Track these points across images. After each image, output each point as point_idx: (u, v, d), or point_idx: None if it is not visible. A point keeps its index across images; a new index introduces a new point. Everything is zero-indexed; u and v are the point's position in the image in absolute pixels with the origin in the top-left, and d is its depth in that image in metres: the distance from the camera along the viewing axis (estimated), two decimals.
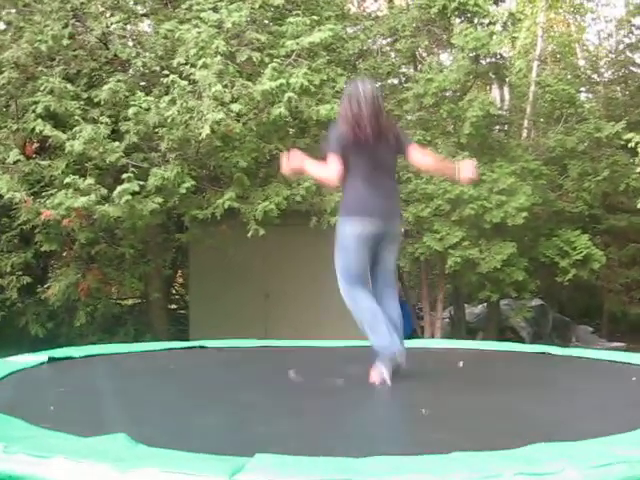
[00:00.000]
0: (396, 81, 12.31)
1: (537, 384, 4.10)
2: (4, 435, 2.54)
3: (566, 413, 3.24)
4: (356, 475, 1.99)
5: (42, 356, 4.42)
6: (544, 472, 2.04)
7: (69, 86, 8.77)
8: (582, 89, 15.05)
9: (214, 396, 3.59)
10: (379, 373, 3.85)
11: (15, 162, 8.52)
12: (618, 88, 15.56)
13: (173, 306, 13.70)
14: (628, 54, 15.85)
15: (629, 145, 10.01)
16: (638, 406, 3.27)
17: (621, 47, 16.17)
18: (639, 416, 2.90)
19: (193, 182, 8.56)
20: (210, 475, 2.02)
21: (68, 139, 8.38)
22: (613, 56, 16.18)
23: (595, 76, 15.86)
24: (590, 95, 15.41)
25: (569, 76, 14.25)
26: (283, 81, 8.44)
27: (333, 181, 3.97)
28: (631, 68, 15.68)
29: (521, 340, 11.91)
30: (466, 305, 13.79)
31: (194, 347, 5.41)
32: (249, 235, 8.78)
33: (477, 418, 3.12)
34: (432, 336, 11.00)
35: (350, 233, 4.01)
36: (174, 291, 14.13)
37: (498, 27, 11.13)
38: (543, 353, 5.13)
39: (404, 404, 3.42)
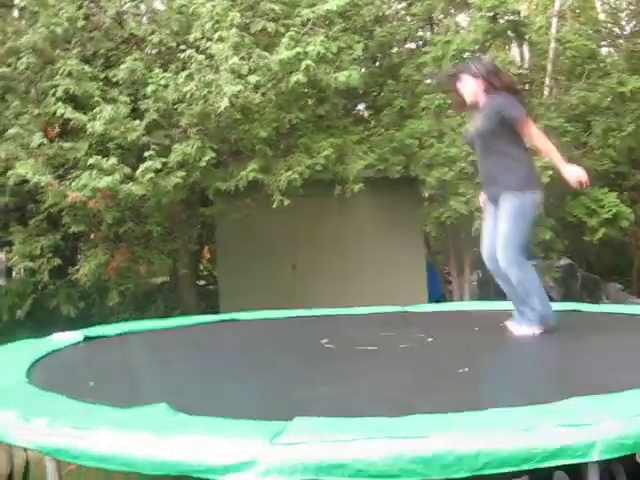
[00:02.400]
0: (414, 45, 12.18)
1: (568, 340, 4.10)
2: (48, 410, 2.60)
3: (599, 367, 3.24)
4: (394, 433, 2.01)
5: (78, 335, 4.49)
6: (583, 423, 2.05)
7: (87, 67, 8.78)
8: (603, 43, 14.77)
9: (249, 366, 3.64)
10: (531, 330, 4.21)
11: (39, 146, 8.57)
12: None
13: (202, 282, 13.79)
14: None
15: None
16: None
17: None
18: None
19: (213, 155, 8.56)
20: (252, 438, 2.06)
21: (89, 120, 8.40)
22: (634, 8, 15.83)
23: (616, 29, 15.56)
24: (612, 49, 15.12)
25: (589, 31, 13.97)
26: (300, 50, 8.38)
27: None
28: None
29: (551, 300, 11.85)
30: None
31: (225, 320, 5.47)
32: (274, 206, 8.80)
33: (508, 377, 3.13)
34: (461, 299, 10.99)
35: (534, 206, 4.24)
36: (202, 267, 14.22)
37: None
38: (573, 310, 5.12)
39: (441, 364, 3.43)
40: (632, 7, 15.92)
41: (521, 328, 4.28)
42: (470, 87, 4.30)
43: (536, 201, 4.25)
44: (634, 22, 15.52)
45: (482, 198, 4.58)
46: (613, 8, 16.60)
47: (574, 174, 4.12)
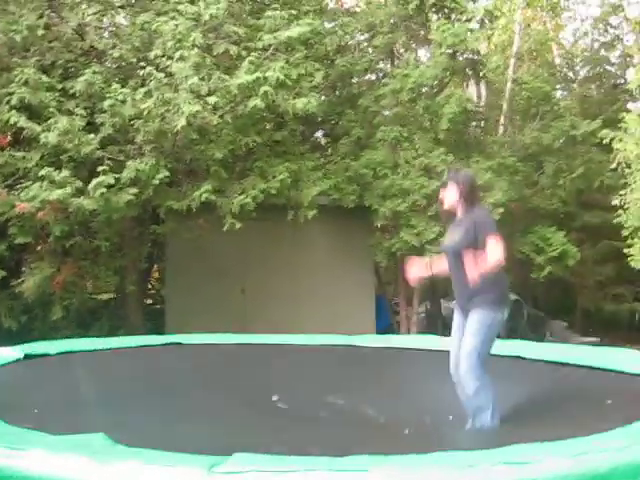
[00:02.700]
0: (373, 77, 12.32)
1: (509, 389, 4.14)
2: None
3: (535, 417, 3.27)
4: (334, 470, 1.99)
5: (18, 352, 4.36)
6: (524, 461, 2.06)
7: (44, 77, 8.65)
8: (558, 87, 15.17)
9: (191, 398, 3.57)
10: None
11: None
12: (593, 86, 15.72)
13: (149, 301, 13.58)
14: (603, 52, 16.02)
15: (604, 142, 10.12)
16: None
17: (596, 46, 16.32)
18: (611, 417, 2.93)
19: (167, 173, 8.49)
20: (190, 467, 2.02)
21: (43, 131, 8.27)
22: (588, 54, 16.32)
23: (571, 74, 16.00)
24: (565, 93, 15.53)
25: (545, 74, 14.33)
26: (260, 75, 8.41)
27: (501, 262, 4.10)
28: (606, 66, 15.84)
29: (497, 336, 11.97)
30: (442, 300, 13.85)
31: (170, 344, 5.38)
32: (225, 229, 8.75)
33: (453, 423, 3.14)
34: (408, 331, 11.04)
35: (500, 322, 4.29)
36: (150, 286, 14.02)
37: (475, 24, 11.19)
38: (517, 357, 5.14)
39: (382, 411, 3.42)
40: (586, 54, 16.40)
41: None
42: (452, 196, 4.38)
43: (503, 319, 4.35)
44: (588, 68, 15.97)
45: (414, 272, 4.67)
46: (568, 53, 17.08)
47: (472, 277, 4.15)
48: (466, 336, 4.21)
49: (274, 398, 3.98)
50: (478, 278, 4.08)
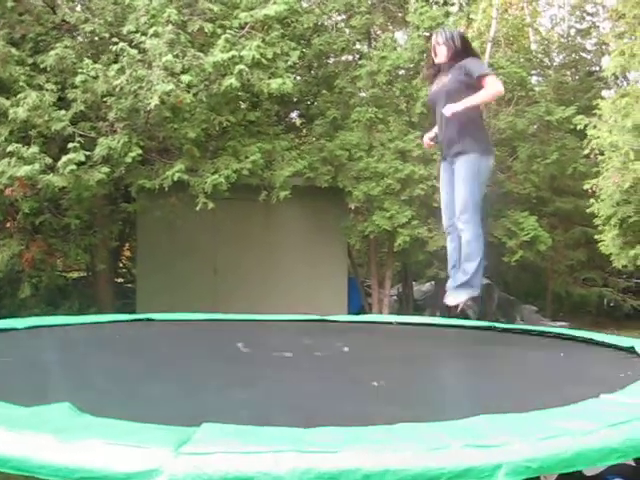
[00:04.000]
0: (350, 58, 12.26)
1: (479, 358, 4.16)
2: None
3: (507, 386, 3.29)
4: (303, 446, 1.97)
5: None
6: (490, 444, 2.06)
7: (14, 51, 8.50)
8: (533, 72, 15.22)
9: (161, 367, 3.55)
10: (458, 299, 4.52)
11: None
12: (568, 73, 15.80)
13: (120, 280, 13.49)
14: (579, 40, 16.10)
15: (578, 128, 10.18)
16: (575, 381, 3.33)
17: (572, 32, 16.40)
18: (579, 390, 2.95)
19: (140, 151, 8.40)
20: (156, 446, 1.99)
21: (12, 105, 8.12)
22: (564, 41, 16.39)
23: (546, 60, 16.06)
24: (541, 79, 15.60)
25: (521, 59, 14.40)
26: (235, 53, 8.33)
27: (501, 92, 4.30)
28: (581, 54, 15.93)
29: (467, 318, 12.07)
30: (414, 283, 13.93)
31: (141, 320, 5.34)
32: (197, 208, 8.69)
33: (421, 391, 3.15)
34: (380, 313, 11.08)
35: (488, 170, 4.44)
36: (121, 264, 13.92)
37: (453, 8, 11.17)
38: (489, 327, 5.22)
39: (351, 376, 3.42)
40: (562, 40, 16.47)
41: (452, 297, 4.57)
42: (444, 50, 4.47)
43: (490, 165, 4.48)
44: (563, 55, 16.04)
45: (427, 141, 4.82)
46: (545, 39, 17.14)
47: (449, 108, 4.21)
48: (459, 186, 4.31)
49: (242, 348, 4.01)
50: (465, 108, 4.15)
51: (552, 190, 13.16)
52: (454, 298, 4.58)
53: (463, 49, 4.46)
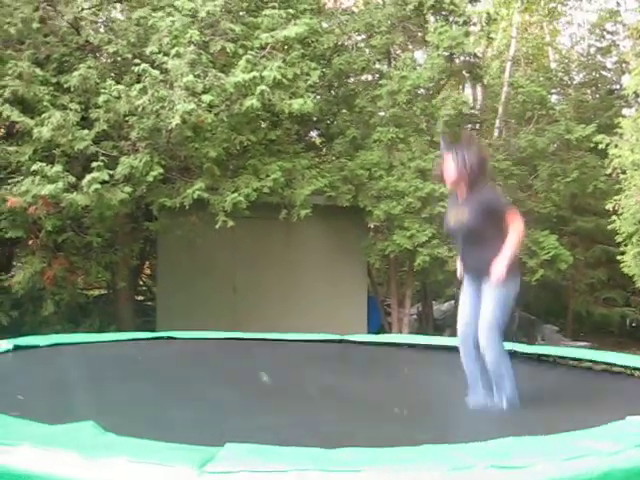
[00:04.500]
0: (370, 77, 12.31)
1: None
2: None
3: (531, 408, 3.26)
4: (327, 465, 1.96)
5: (7, 344, 4.33)
6: (515, 465, 2.04)
7: (38, 71, 8.60)
8: (553, 91, 15.19)
9: (183, 388, 3.55)
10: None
11: None
12: (588, 91, 15.74)
13: (140, 297, 13.54)
14: (599, 58, 16.04)
15: (599, 147, 10.12)
16: (599, 403, 3.29)
17: (592, 51, 16.35)
18: (602, 412, 2.91)
19: (161, 170, 8.46)
20: (180, 465, 1.99)
21: (36, 125, 8.21)
22: (584, 60, 16.35)
23: (566, 79, 16.01)
24: (561, 97, 15.55)
25: (541, 78, 14.37)
26: (256, 74, 8.38)
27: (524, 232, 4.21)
28: (601, 72, 15.86)
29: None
30: (434, 302, 13.86)
31: (162, 338, 5.35)
32: (218, 226, 8.72)
33: (446, 414, 3.13)
34: (399, 332, 11.03)
35: (516, 292, 4.26)
36: (141, 282, 13.97)
37: (473, 27, 11.20)
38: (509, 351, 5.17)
39: (374, 399, 3.41)
40: (582, 59, 16.43)
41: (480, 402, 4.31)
42: (453, 174, 4.25)
43: (517, 287, 4.30)
44: (583, 73, 16.00)
45: (460, 271, 4.55)
46: (565, 58, 17.11)
47: (496, 272, 4.11)
48: (488, 306, 4.19)
49: (264, 378, 3.97)
50: (505, 264, 4.05)
51: (573, 209, 13.09)
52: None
53: (479, 174, 4.26)
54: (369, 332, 10.90)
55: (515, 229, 4.13)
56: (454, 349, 5.50)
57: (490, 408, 4.11)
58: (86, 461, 2.04)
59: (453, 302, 13.09)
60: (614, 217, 10.16)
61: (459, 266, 4.58)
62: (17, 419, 2.54)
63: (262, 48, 9.00)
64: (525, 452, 2.14)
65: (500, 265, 4.05)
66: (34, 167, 8.04)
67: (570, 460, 2.09)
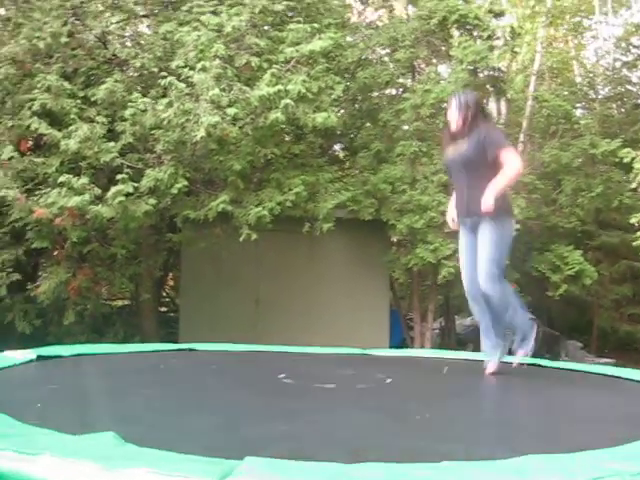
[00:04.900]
0: (394, 91, 12.33)
1: (526, 395, 4.09)
2: None
3: (555, 425, 3.23)
4: None
5: (31, 354, 4.38)
6: None
7: (66, 84, 8.72)
8: (578, 105, 15.12)
9: (204, 398, 3.57)
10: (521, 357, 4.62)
11: (9, 159, 8.45)
12: (614, 105, 15.65)
13: (163, 309, 13.63)
14: (625, 72, 15.97)
15: (624, 161, 10.06)
16: (627, 420, 3.26)
17: (618, 65, 16.28)
18: (628, 430, 2.88)
19: (185, 183, 8.54)
20: (199, 478, 1.99)
21: (63, 137, 8.33)
22: (610, 74, 16.27)
23: (591, 93, 15.94)
24: (586, 112, 15.47)
25: (566, 92, 14.31)
26: (281, 87, 8.44)
27: (521, 170, 4.32)
28: (627, 86, 15.78)
29: (510, 353, 11.88)
30: (456, 317, 13.80)
31: (184, 350, 5.38)
32: (241, 239, 8.76)
33: (467, 427, 3.11)
34: (422, 346, 10.98)
35: (512, 232, 4.42)
36: (165, 294, 14.07)
37: (498, 41, 11.19)
38: (534, 365, 5.13)
39: (395, 411, 3.40)
40: (607, 73, 16.35)
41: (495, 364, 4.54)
42: (459, 119, 4.44)
43: (513, 227, 4.46)
44: (609, 87, 15.91)
45: (450, 216, 4.70)
46: (590, 72, 17.03)
47: (485, 201, 4.14)
48: (481, 252, 4.24)
49: (284, 379, 3.98)
50: (495, 195, 4.11)
51: (597, 223, 13.00)
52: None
53: (477, 113, 4.44)
54: (391, 346, 10.87)
55: (510, 164, 4.19)
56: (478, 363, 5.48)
57: (503, 358, 4.27)
58: (105, 472, 2.06)
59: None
60: (639, 233, 10.07)
61: (451, 211, 4.68)
62: (37, 428, 2.56)
63: (287, 62, 9.05)
64: (546, 471, 2.12)
65: (489, 194, 4.12)
66: (61, 179, 8.14)
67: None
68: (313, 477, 2.00)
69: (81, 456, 2.20)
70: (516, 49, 12.48)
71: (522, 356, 4.60)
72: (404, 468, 2.12)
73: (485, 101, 4.04)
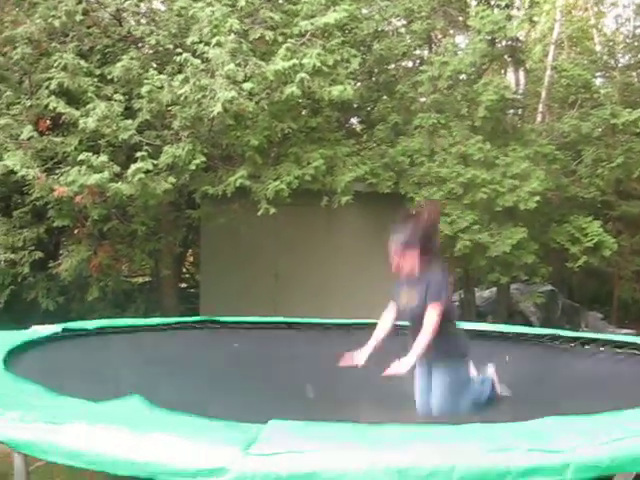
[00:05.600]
0: (411, 63, 12.24)
1: (543, 364, 4.11)
2: (21, 403, 2.56)
3: (574, 391, 3.25)
4: (370, 442, 1.99)
5: (57, 328, 4.45)
6: (558, 445, 2.04)
7: (82, 62, 8.75)
8: (598, 74, 14.91)
9: (228, 369, 3.61)
10: None
11: (29, 138, 8.51)
12: (634, 74, 15.41)
13: (183, 285, 13.72)
14: None
15: None
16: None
17: (638, 32, 16.01)
18: None
19: (203, 159, 8.55)
20: (225, 445, 2.03)
21: (81, 116, 8.37)
22: (630, 41, 16.01)
23: (611, 61, 15.70)
24: (606, 80, 15.26)
25: (585, 61, 14.11)
26: (296, 61, 8.39)
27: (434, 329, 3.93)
28: None
29: (530, 325, 11.89)
30: (476, 289, 13.77)
31: (206, 321, 5.44)
32: (259, 214, 8.79)
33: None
34: None
35: (466, 370, 4.11)
36: (184, 270, 14.15)
37: (516, 10, 11.06)
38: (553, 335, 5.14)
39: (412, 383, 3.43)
40: (628, 40, 16.10)
41: None
42: (398, 259, 4.20)
43: (466, 364, 4.17)
44: (629, 55, 15.67)
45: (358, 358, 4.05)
46: (609, 40, 16.78)
47: (392, 369, 3.75)
48: (434, 398, 3.97)
49: (307, 387, 3.96)
50: (416, 357, 3.87)
51: (618, 194, 12.87)
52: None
53: (425, 248, 4.13)
54: None
55: (426, 324, 3.92)
56: (495, 335, 5.50)
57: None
58: (134, 436, 2.10)
59: (495, 289, 13.00)
60: None
61: (363, 354, 4.06)
62: (67, 398, 2.62)
63: (301, 35, 9.00)
64: (567, 432, 2.14)
65: (409, 357, 3.82)
66: (81, 157, 8.19)
67: (614, 441, 2.09)
68: (335, 437, 2.03)
69: (109, 423, 2.25)
70: (535, 18, 12.32)
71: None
72: (426, 429, 2.15)
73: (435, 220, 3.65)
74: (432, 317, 3.94)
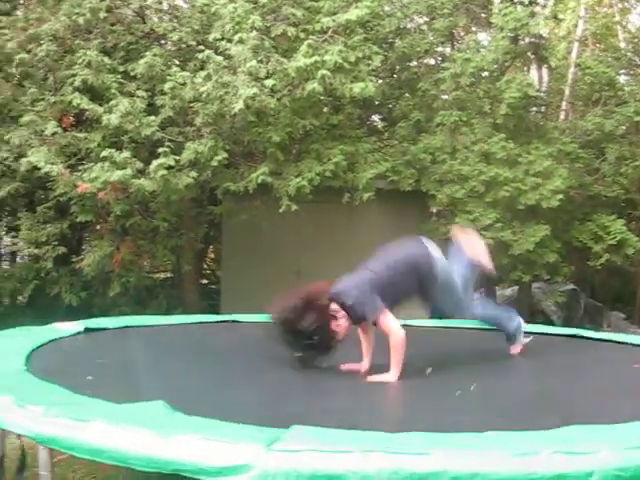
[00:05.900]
0: (433, 60, 12.19)
1: (566, 365, 4.08)
2: (44, 399, 2.59)
3: (599, 395, 3.22)
4: (392, 447, 2.00)
5: (79, 325, 4.49)
6: (580, 452, 2.03)
7: (106, 59, 8.82)
8: (622, 71, 14.75)
9: (250, 370, 3.63)
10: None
11: (53, 134, 8.59)
12: None
13: (204, 281, 13.78)
14: None
15: None
16: None
17: None
18: None
19: (225, 155, 8.58)
20: (249, 442, 2.04)
21: (105, 112, 8.43)
22: None
23: (636, 59, 15.53)
24: (630, 78, 15.10)
25: (609, 58, 13.96)
26: (318, 58, 8.39)
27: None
28: None
29: (552, 324, 11.81)
30: (497, 288, 13.71)
31: (226, 321, 5.46)
32: (281, 210, 8.80)
33: (511, 398, 3.12)
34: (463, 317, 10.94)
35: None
36: (206, 266, 14.21)
37: (539, 8, 10.96)
38: (574, 336, 5.10)
39: (438, 384, 3.42)
40: None
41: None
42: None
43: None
44: None
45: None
46: (634, 37, 16.59)
47: (378, 377, 3.68)
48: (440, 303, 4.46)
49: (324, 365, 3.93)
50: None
51: None
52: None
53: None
54: (431, 317, 10.85)
55: (391, 339, 3.86)
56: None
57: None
58: (156, 436, 2.12)
59: (517, 288, 12.93)
60: None
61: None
62: (89, 398, 2.64)
63: (323, 32, 9.00)
64: (590, 439, 2.13)
65: (389, 377, 3.68)
66: (103, 153, 8.26)
67: (637, 449, 2.08)
68: (358, 444, 2.04)
69: (132, 423, 2.27)
70: (559, 15, 12.21)
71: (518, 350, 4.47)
72: (448, 436, 2.15)
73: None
74: (388, 326, 3.92)
